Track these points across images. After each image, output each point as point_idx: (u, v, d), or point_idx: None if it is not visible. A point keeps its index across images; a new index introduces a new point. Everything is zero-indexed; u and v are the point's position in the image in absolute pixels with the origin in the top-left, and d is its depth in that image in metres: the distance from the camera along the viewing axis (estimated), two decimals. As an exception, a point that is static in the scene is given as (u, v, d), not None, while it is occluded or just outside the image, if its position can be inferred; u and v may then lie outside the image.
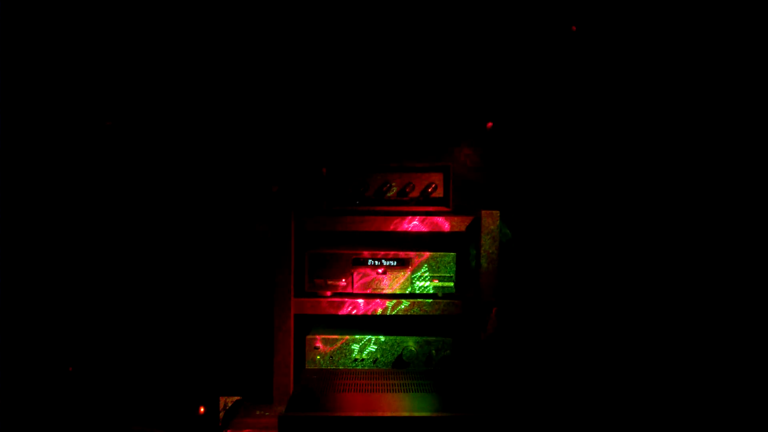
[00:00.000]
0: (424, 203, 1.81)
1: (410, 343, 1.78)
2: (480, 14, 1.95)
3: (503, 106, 1.98)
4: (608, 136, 1.90)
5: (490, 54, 1.96)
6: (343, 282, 1.78)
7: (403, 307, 1.74)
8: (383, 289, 1.78)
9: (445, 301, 1.75)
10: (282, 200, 1.96)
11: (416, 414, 1.40)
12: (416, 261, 1.77)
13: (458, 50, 1.97)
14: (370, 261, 1.78)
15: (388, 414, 1.40)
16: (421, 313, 1.75)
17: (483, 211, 1.71)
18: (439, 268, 1.78)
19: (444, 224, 1.75)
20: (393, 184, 1.80)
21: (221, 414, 1.78)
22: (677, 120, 1.81)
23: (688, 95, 1.79)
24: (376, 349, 1.78)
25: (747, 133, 1.70)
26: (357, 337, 1.78)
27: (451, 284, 1.78)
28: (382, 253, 1.78)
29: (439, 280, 1.78)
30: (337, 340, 1.77)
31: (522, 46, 1.95)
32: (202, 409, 1.83)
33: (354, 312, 1.75)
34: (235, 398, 1.78)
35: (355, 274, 1.78)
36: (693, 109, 1.78)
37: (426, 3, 1.94)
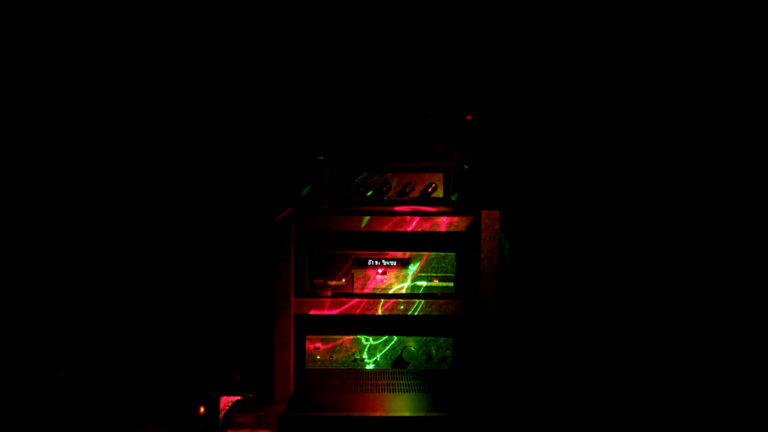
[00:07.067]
0: (424, 203, 1.81)
1: (410, 343, 1.78)
2: (480, 13, 1.95)
3: (504, 107, 1.98)
4: (609, 137, 1.90)
5: (490, 52, 1.96)
6: (343, 282, 1.78)
7: (402, 307, 1.74)
8: (383, 289, 1.78)
9: (445, 301, 1.75)
10: (282, 200, 1.96)
11: (415, 414, 1.40)
12: (416, 261, 1.77)
13: (458, 51, 1.97)
14: (370, 261, 1.78)
15: (387, 414, 1.40)
16: (421, 313, 1.75)
17: (483, 211, 1.71)
18: (439, 268, 1.77)
19: (444, 224, 1.75)
20: (393, 184, 1.80)
21: (221, 414, 1.78)
22: (678, 120, 1.81)
23: (688, 95, 1.79)
24: (376, 348, 1.78)
25: (747, 129, 1.70)
26: (357, 337, 1.78)
27: (451, 284, 1.77)
28: (383, 253, 1.78)
29: (439, 280, 1.78)
30: (336, 340, 1.77)
31: (522, 45, 1.95)
32: (202, 409, 1.83)
33: (354, 312, 1.75)
34: (235, 398, 1.78)
35: (355, 274, 1.78)
36: (692, 110, 1.78)
37: (426, 6, 1.95)
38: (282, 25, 1.95)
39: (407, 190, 1.79)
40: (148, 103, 1.97)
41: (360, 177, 1.80)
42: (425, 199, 1.80)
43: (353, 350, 1.78)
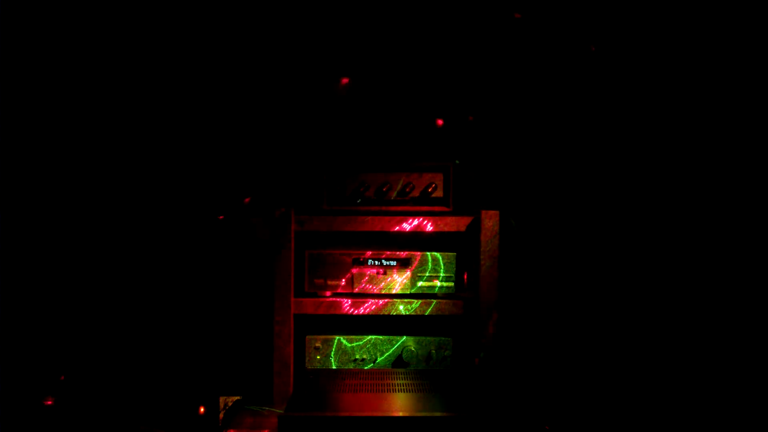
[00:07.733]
0: (425, 203, 1.81)
1: (410, 343, 1.78)
2: (482, 16, 1.95)
3: (504, 107, 1.98)
4: (609, 136, 1.90)
5: (490, 52, 1.96)
6: (343, 282, 1.78)
7: (402, 307, 1.74)
8: (383, 289, 1.78)
9: (445, 301, 1.75)
10: (282, 200, 1.96)
11: (415, 414, 1.40)
12: (416, 261, 1.77)
13: (459, 50, 1.97)
14: (370, 261, 1.78)
15: (388, 414, 1.40)
16: (421, 313, 1.75)
17: (483, 211, 1.71)
18: (439, 268, 1.78)
19: (444, 224, 1.75)
20: (393, 184, 1.80)
21: (221, 414, 1.78)
22: (678, 121, 1.81)
23: (688, 93, 1.79)
24: (376, 349, 1.78)
25: (745, 131, 1.70)
26: (357, 337, 1.78)
27: (451, 284, 1.78)
28: (383, 253, 1.78)
29: (439, 280, 1.78)
30: (336, 340, 1.77)
31: (523, 47, 1.95)
32: (202, 409, 1.83)
33: (354, 312, 1.75)
34: (235, 398, 1.78)
35: (355, 274, 1.78)
36: (693, 106, 1.78)
37: (425, 8, 1.95)
38: (282, 25, 1.95)
39: (407, 190, 1.79)
40: (149, 103, 1.96)
41: (360, 177, 1.80)
42: (425, 199, 1.80)
43: (353, 350, 1.78)
